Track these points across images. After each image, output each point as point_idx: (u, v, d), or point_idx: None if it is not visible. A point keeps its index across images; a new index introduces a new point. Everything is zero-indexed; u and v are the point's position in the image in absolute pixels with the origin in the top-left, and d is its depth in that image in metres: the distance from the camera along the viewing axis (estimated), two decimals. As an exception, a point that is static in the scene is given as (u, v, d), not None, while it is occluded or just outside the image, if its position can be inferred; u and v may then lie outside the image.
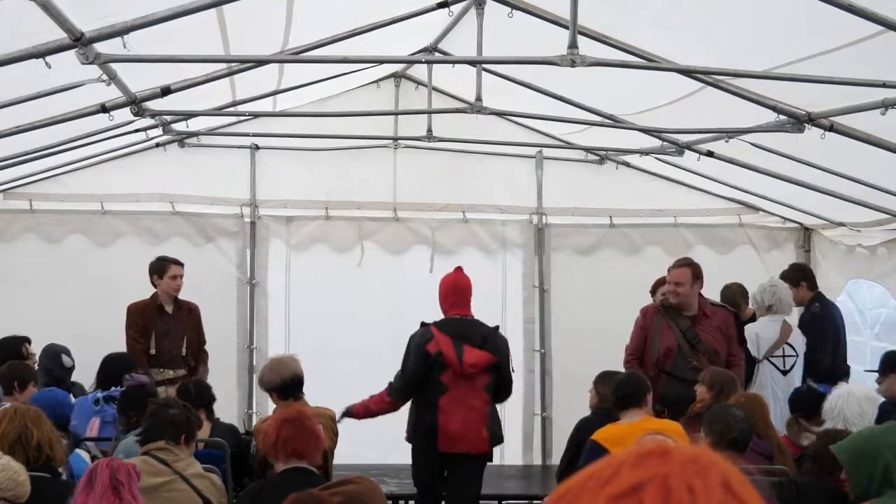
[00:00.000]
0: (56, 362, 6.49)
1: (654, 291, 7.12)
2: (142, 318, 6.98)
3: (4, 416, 4.23)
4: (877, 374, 6.15)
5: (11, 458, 3.86)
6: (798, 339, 6.87)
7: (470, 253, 8.46)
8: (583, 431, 5.67)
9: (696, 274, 6.50)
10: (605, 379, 5.91)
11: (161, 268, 7.06)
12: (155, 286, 7.09)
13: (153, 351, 6.96)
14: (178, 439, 4.41)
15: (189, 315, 7.15)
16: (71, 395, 6.11)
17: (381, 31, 5.72)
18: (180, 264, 7.11)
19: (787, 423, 5.82)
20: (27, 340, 6.46)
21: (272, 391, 5.58)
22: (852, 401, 5.25)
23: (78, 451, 4.98)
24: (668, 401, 6.13)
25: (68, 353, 6.54)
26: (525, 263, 8.57)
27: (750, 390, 6.18)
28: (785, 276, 7.24)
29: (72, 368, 6.56)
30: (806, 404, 5.77)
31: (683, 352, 6.39)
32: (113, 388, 5.69)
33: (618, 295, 8.09)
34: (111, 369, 5.89)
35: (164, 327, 7.05)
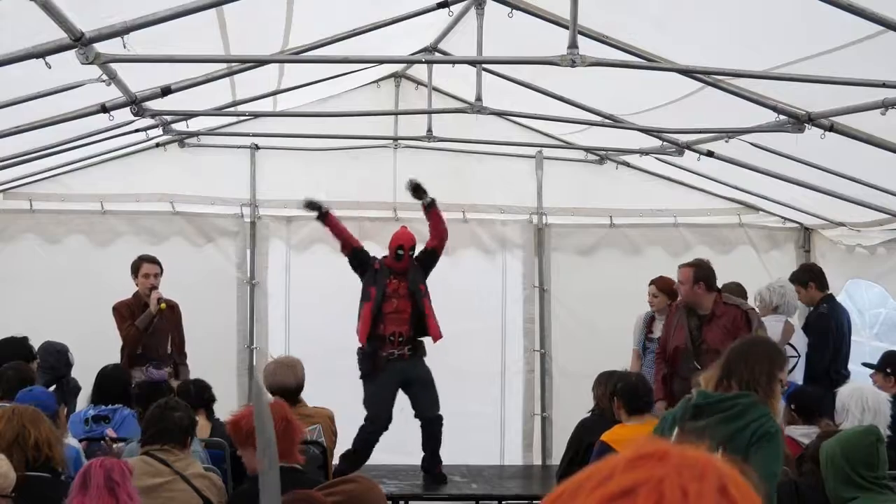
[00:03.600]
0: (62, 360, 6.54)
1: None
2: (131, 315, 6.92)
3: (2, 417, 4.21)
4: (872, 370, 6.21)
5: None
6: (800, 340, 6.86)
7: (470, 253, 8.46)
8: (583, 432, 5.69)
9: (699, 275, 6.49)
10: (601, 380, 5.93)
11: (136, 267, 7.03)
12: (136, 285, 7.05)
13: (139, 350, 6.88)
14: (185, 442, 4.40)
15: (172, 313, 7.10)
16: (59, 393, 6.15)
17: (381, 31, 5.71)
18: (154, 262, 7.05)
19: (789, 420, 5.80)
20: (27, 340, 6.46)
21: (281, 391, 5.56)
22: (858, 398, 5.23)
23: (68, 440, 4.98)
24: (677, 398, 6.22)
25: (70, 351, 6.62)
26: (525, 263, 8.57)
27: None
28: (794, 277, 7.23)
29: (72, 366, 6.63)
30: (805, 400, 5.75)
31: (688, 352, 6.45)
32: (103, 407, 5.67)
33: (618, 295, 8.09)
34: (105, 385, 5.85)
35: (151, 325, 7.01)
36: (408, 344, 6.90)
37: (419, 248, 7.11)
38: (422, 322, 6.94)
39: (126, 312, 6.92)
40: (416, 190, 6.97)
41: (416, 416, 6.96)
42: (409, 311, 6.91)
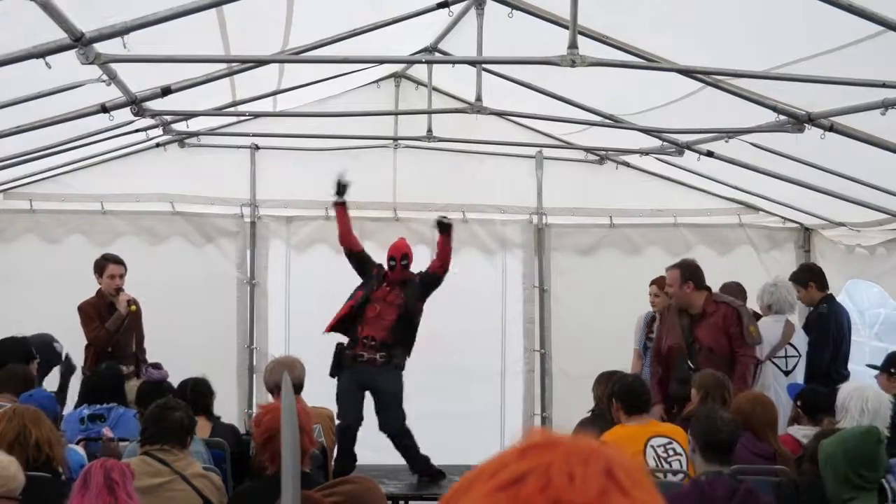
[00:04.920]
0: (50, 351, 6.54)
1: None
2: (97, 314, 6.88)
3: (3, 417, 4.21)
4: (877, 371, 6.19)
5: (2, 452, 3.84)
6: (800, 340, 6.86)
7: (470, 253, 8.46)
8: (583, 432, 5.69)
9: (686, 275, 6.51)
10: (601, 381, 5.94)
11: (100, 267, 6.99)
12: (100, 284, 7.02)
13: (108, 348, 6.84)
14: (184, 442, 4.39)
15: (135, 312, 7.04)
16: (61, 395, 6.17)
17: (381, 32, 5.72)
18: (120, 263, 7.01)
19: (794, 416, 5.80)
20: (27, 340, 6.45)
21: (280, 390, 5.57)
22: (859, 397, 5.22)
23: (71, 445, 4.97)
24: (674, 400, 6.26)
25: (56, 340, 6.63)
26: (525, 263, 8.58)
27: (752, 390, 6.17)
28: (794, 277, 7.23)
29: (61, 354, 6.64)
30: (813, 400, 5.74)
31: (683, 352, 6.45)
32: (98, 406, 5.66)
33: (618, 295, 8.10)
34: (98, 384, 5.84)
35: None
36: (381, 350, 6.81)
37: (423, 258, 7.07)
38: (408, 336, 6.89)
39: (92, 312, 6.89)
40: (443, 222, 6.96)
41: (379, 428, 6.89)
42: (392, 320, 6.84)
